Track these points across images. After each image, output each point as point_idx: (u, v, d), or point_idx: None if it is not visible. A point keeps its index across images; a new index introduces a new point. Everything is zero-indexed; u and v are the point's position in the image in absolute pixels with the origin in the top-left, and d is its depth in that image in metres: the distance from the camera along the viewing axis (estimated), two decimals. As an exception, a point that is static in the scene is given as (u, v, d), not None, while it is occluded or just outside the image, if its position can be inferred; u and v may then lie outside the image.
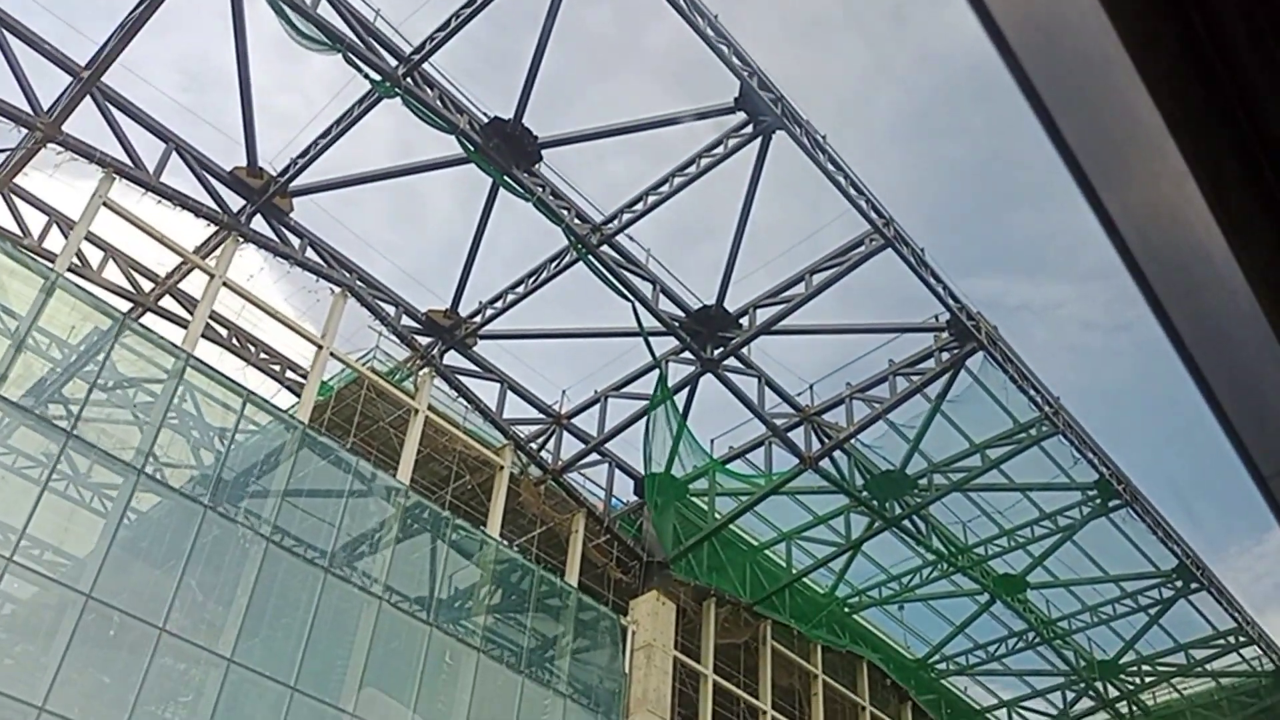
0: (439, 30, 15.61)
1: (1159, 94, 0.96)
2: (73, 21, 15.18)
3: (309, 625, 15.19)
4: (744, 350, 19.59)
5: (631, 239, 18.36)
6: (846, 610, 24.76)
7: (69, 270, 16.23)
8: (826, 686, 24.01)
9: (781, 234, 21.69)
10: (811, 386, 20.75)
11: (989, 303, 19.51)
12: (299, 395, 18.06)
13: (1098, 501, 21.83)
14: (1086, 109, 1.01)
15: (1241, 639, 24.91)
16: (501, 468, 19.63)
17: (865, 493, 21.39)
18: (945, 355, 19.36)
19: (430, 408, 19.03)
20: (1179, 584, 23.47)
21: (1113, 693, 26.14)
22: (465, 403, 19.50)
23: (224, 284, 17.27)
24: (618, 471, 21.75)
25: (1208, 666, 26.15)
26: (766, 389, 20.02)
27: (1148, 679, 26.42)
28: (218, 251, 17.36)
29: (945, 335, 19.29)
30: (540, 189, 17.17)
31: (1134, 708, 26.91)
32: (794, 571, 23.10)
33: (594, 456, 21.27)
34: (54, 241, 17.39)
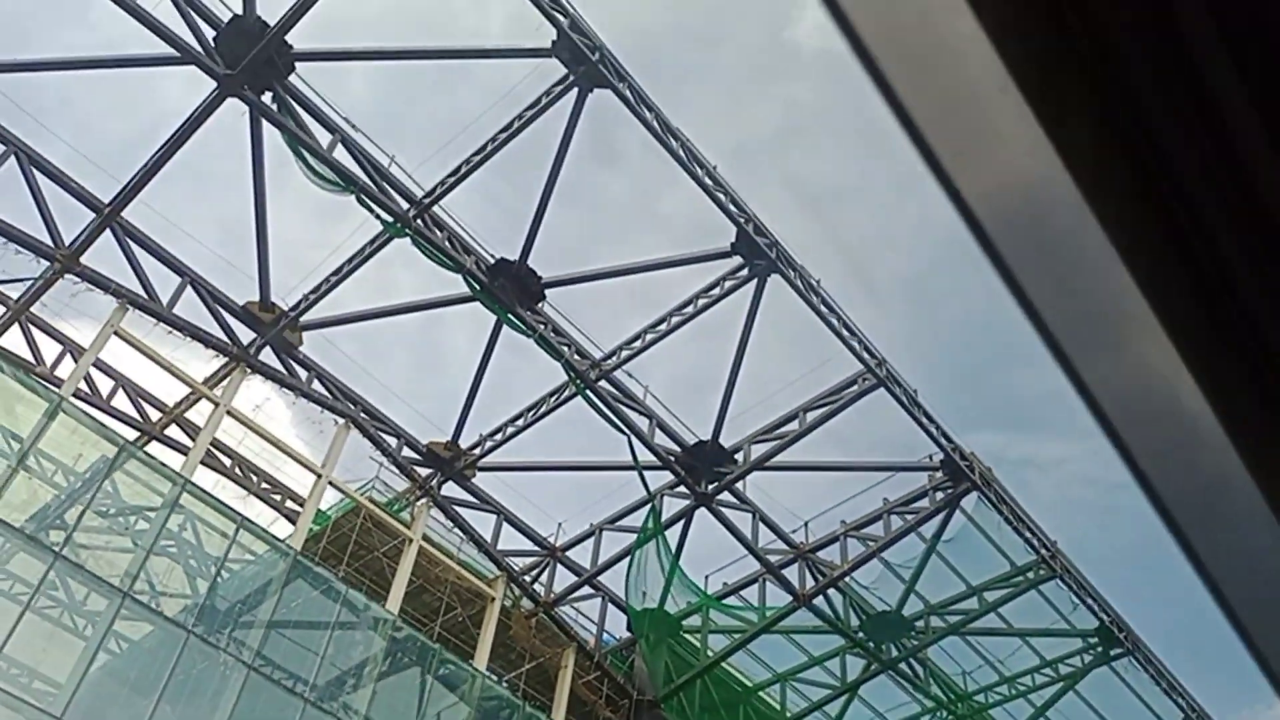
0: (449, 176, 16.68)
1: (1137, 271, 1.00)
2: (102, 163, 16.19)
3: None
4: (739, 485, 20.00)
5: (629, 375, 19.07)
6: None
7: (79, 397, 16.87)
8: (824, 839, 23.37)
9: (776, 373, 22.44)
10: (806, 524, 21.06)
11: (991, 456, 20.04)
12: (296, 525, 18.40)
13: (1099, 650, 21.78)
14: (1061, 283, 1.03)
15: (1255, 797, 24.33)
16: (493, 599, 19.77)
17: (861, 634, 21.40)
18: (939, 495, 19.76)
19: (425, 538, 19.32)
20: (1186, 737, 23.12)
21: None
22: (460, 533, 19.80)
23: (228, 413, 17.88)
24: (611, 606, 21.84)
25: (1222, 826, 25.43)
26: (761, 525, 20.35)
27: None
28: (225, 382, 18.04)
29: (939, 475, 19.73)
30: (542, 326, 17.95)
31: None
32: (788, 715, 22.84)
33: (587, 590, 21.41)
34: (66, 370, 18.09)
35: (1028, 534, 20.16)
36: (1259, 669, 1.26)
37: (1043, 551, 20.31)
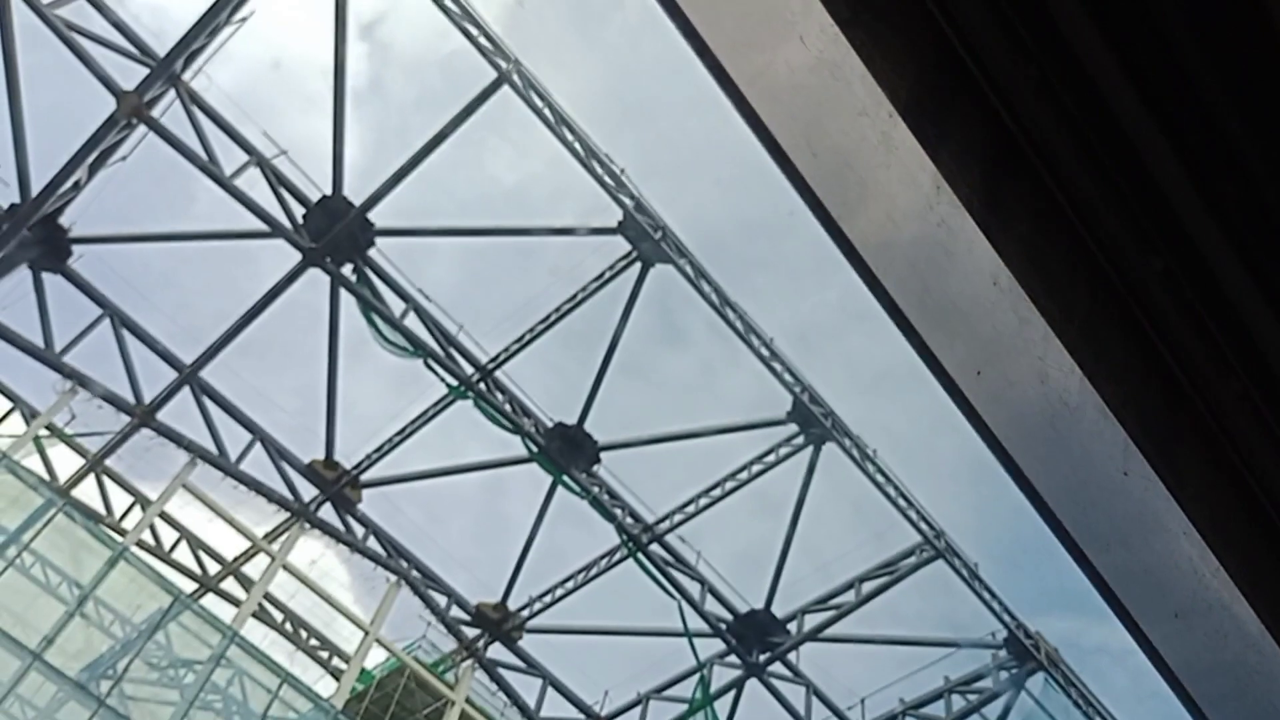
0: (513, 343, 17.49)
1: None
2: (194, 333, 17.36)
3: None
4: (791, 657, 19.73)
5: (683, 540, 19.22)
6: None
7: (142, 548, 17.50)
8: None
9: (833, 544, 22.43)
10: (863, 701, 20.54)
11: (1061, 642, 19.72)
12: (340, 682, 18.52)
13: None
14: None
15: None
16: (536, 768, 19.46)
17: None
18: (1003, 674, 19.26)
19: (468, 700, 19.26)
20: None
21: None
22: (505, 697, 19.70)
23: (284, 567, 18.35)
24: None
25: None
26: (814, 699, 19.92)
27: None
28: (284, 537, 18.59)
29: (1003, 654, 19.30)
30: (596, 489, 18.34)
31: None
32: None
33: (634, 766, 20.95)
34: (134, 522, 18.82)
35: (1098, 718, 19.47)
36: None
37: None
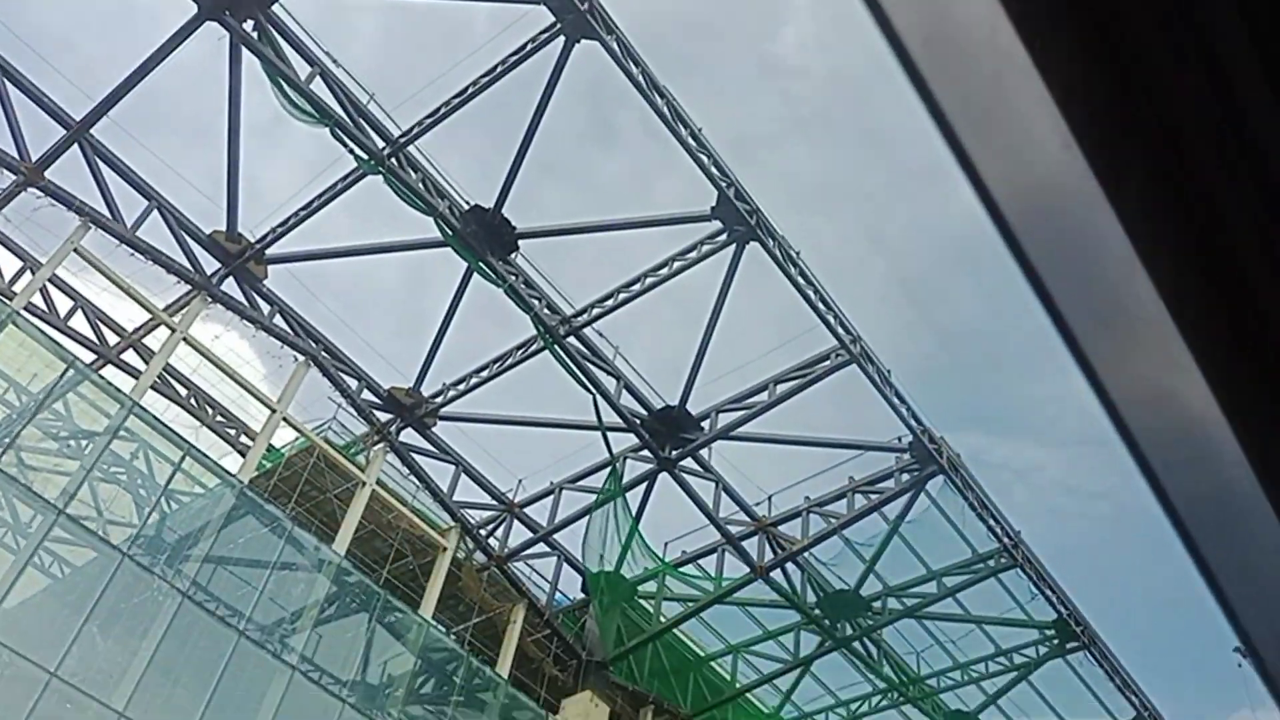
0: (427, 117, 16.87)
1: (1157, 274, 1.00)
2: (83, 87, 16.35)
3: (213, 688, 15.63)
4: (703, 454, 20.44)
5: (600, 334, 19.40)
6: (790, 733, 25.04)
7: (35, 314, 17.11)
8: (764, 811, 24.16)
9: (751, 346, 22.83)
10: (770, 498, 21.54)
11: (968, 457, 20.59)
12: (246, 458, 18.77)
13: (1055, 642, 22.43)
14: (1082, 283, 1.04)
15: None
16: (445, 550, 20.24)
17: (817, 611, 21.98)
18: (905, 476, 20.23)
19: (379, 483, 19.74)
20: (1135, 736, 23.89)
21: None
22: (416, 481, 20.22)
23: (185, 340, 18.17)
24: (566, 566, 22.36)
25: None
26: (723, 495, 20.81)
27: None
28: (185, 309, 18.31)
29: (906, 457, 20.19)
30: (514, 277, 18.24)
31: None
32: (738, 685, 23.51)
33: (543, 548, 21.92)
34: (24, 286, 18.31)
35: (991, 521, 20.69)
36: (1258, 673, 1.29)
37: (1005, 540, 20.84)
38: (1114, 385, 1.09)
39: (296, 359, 19.14)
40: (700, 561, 22.21)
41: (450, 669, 20.35)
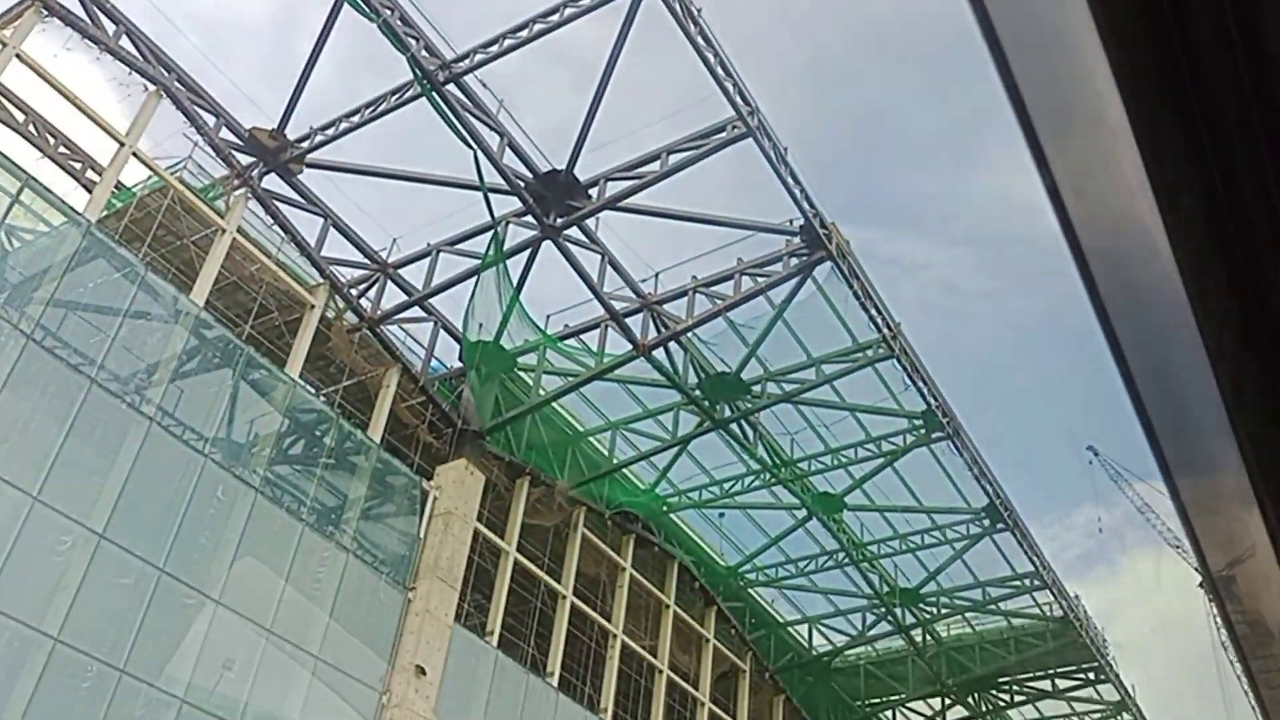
0: None
1: (1121, 76, 1.02)
2: None
3: (64, 436, 15.04)
4: (589, 224, 19.80)
5: (484, 85, 18.17)
6: (665, 509, 25.86)
7: None
8: (633, 581, 25.21)
9: (644, 113, 21.80)
10: (657, 275, 21.20)
11: (859, 251, 20.33)
12: (93, 195, 17.41)
13: (922, 432, 23.23)
14: (1046, 68, 1.06)
15: (1036, 583, 27.20)
16: (312, 307, 19.49)
17: (698, 392, 22.18)
18: (794, 261, 20.03)
19: (241, 232, 18.65)
20: (986, 522, 25.35)
21: (910, 619, 28.29)
22: (281, 232, 19.18)
23: (18, 57, 16.36)
24: (442, 333, 21.89)
25: (1002, 605, 28.51)
26: (609, 269, 20.35)
27: (944, 610, 28.67)
28: (18, 22, 16.39)
29: (797, 240, 19.92)
30: (389, 11, 16.72)
31: (928, 636, 29.22)
32: (617, 461, 23.94)
33: (418, 313, 21.35)
34: None
35: (873, 312, 20.82)
36: (1150, 448, 1.30)
37: (885, 331, 21.08)
38: (1060, 171, 1.11)
39: (148, 89, 17.50)
40: (582, 337, 21.99)
41: (320, 431, 20.06)
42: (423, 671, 18.93)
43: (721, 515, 27.28)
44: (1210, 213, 1.12)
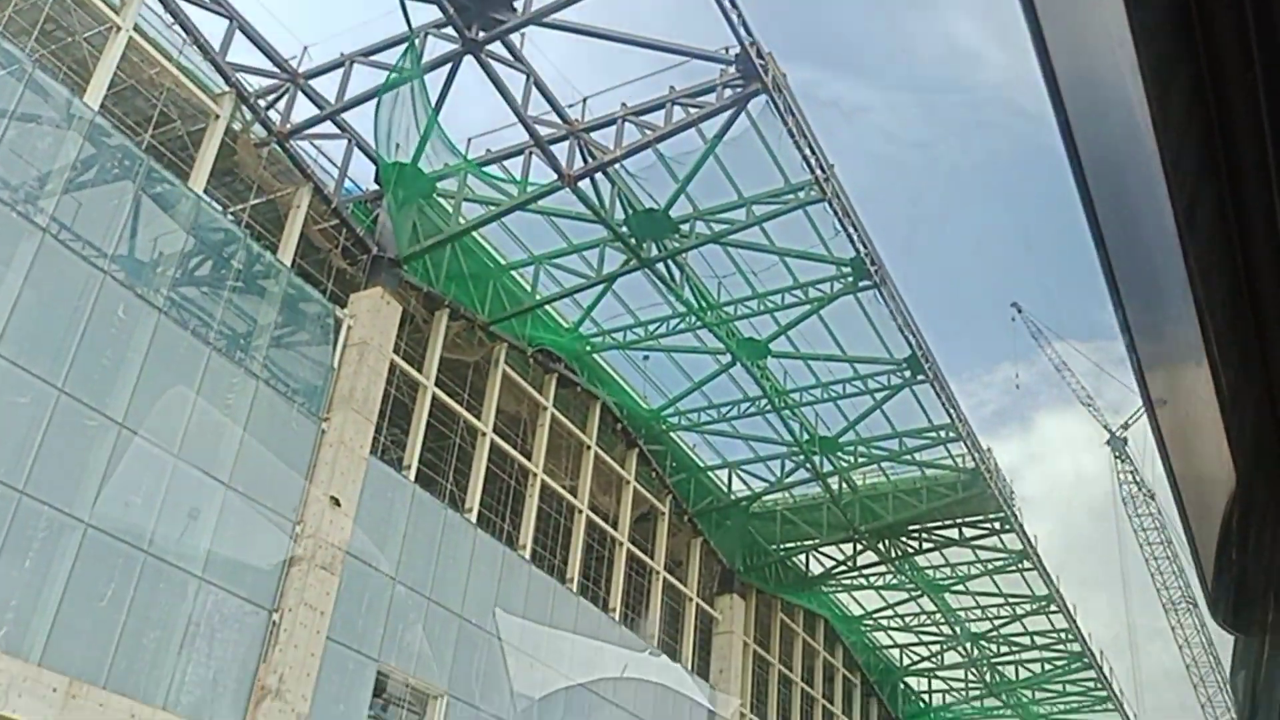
0: None
1: None
2: None
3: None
4: (515, 41, 18.79)
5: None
6: (588, 349, 25.69)
7: None
8: (554, 420, 25.20)
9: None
10: (585, 100, 20.37)
11: (797, 90, 19.60)
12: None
13: (850, 279, 23.16)
14: None
15: (951, 435, 27.90)
16: (217, 117, 18.37)
17: (624, 228, 21.69)
18: (728, 92, 19.35)
19: (138, 30, 17.30)
20: (907, 373, 25.68)
21: (827, 468, 28.93)
22: (183, 33, 17.84)
23: None
24: (358, 152, 20.91)
25: (917, 456, 29.28)
26: (535, 91, 19.45)
27: (861, 460, 29.35)
28: None
29: (732, 70, 19.20)
30: None
31: (844, 484, 30.00)
32: (540, 297, 23.54)
33: (332, 129, 20.30)
34: None
35: (807, 151, 20.36)
36: (1105, 280, 1.30)
37: (818, 173, 20.68)
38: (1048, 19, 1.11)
39: None
40: (505, 164, 21.22)
41: (227, 253, 19.20)
42: (337, 503, 18.79)
43: (646, 358, 27.26)
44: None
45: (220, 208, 19.59)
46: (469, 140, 21.03)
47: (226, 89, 18.59)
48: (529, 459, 24.32)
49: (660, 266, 22.72)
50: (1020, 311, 57.00)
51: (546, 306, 24.26)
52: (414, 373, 21.50)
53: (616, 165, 20.64)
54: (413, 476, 20.91)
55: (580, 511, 25.60)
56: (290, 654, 17.66)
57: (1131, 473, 55.56)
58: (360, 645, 19.18)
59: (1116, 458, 56.09)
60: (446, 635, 21.05)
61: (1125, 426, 56.58)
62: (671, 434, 28.80)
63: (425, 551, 20.96)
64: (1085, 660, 39.07)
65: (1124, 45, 1.09)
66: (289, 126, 19.32)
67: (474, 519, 22.23)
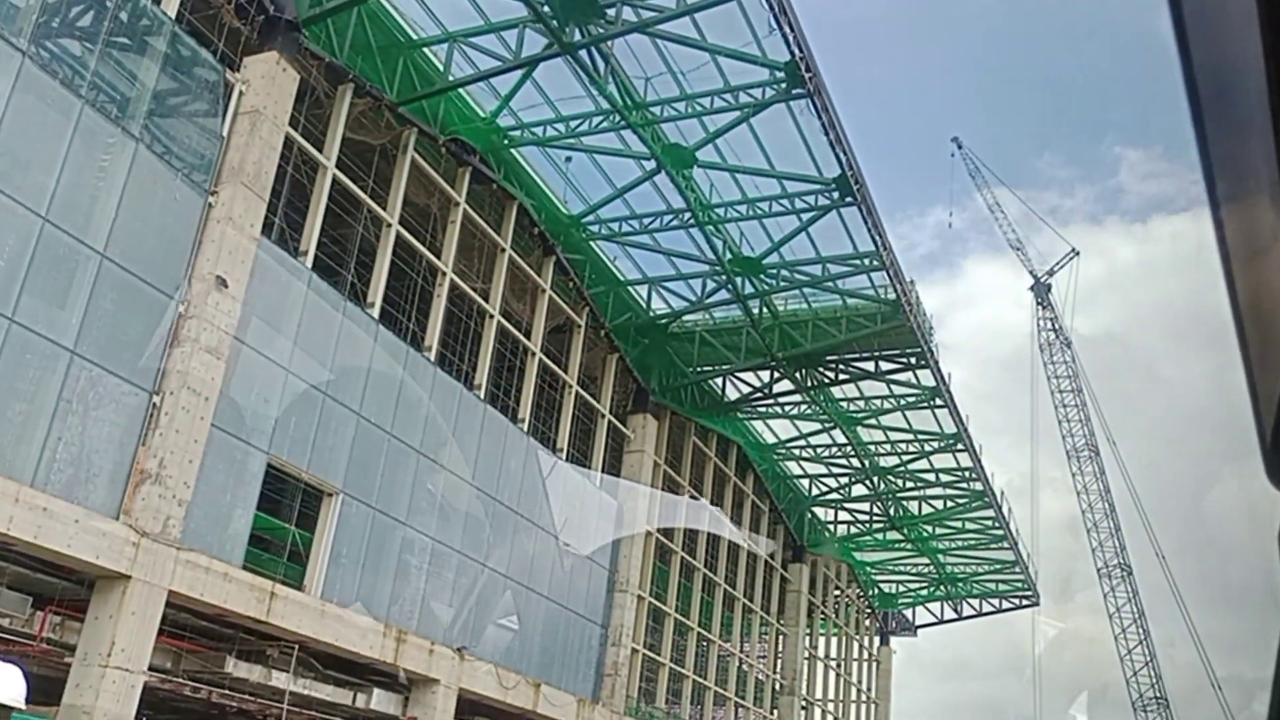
0: None
1: None
2: None
3: None
4: None
5: None
6: (506, 142, 24.55)
7: None
8: (467, 217, 24.25)
9: None
10: None
11: None
12: None
13: (783, 85, 22.21)
14: None
15: (875, 263, 27.65)
16: None
17: (546, 7, 20.31)
18: None
19: None
20: (836, 195, 25.11)
21: (749, 290, 28.63)
22: None
23: None
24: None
25: (839, 284, 29.09)
26: None
27: (783, 284, 29.08)
28: None
29: None
30: None
31: (765, 309, 29.80)
32: (452, 79, 22.20)
33: None
34: None
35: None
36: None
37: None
38: None
39: None
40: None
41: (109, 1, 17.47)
42: (224, 283, 17.85)
43: (569, 159, 26.24)
44: None
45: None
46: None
47: None
48: (438, 256, 23.48)
49: (584, 55, 21.47)
50: (960, 147, 56.57)
51: (462, 92, 22.95)
52: (314, 151, 20.27)
53: (541, -65, 19.15)
54: (310, 264, 20.00)
55: (491, 316, 25.00)
56: (171, 438, 17.06)
57: (1052, 319, 56.68)
58: (249, 436, 18.65)
59: (1039, 304, 57.04)
60: (343, 432, 20.62)
61: (1050, 273, 57.35)
62: (591, 244, 28.09)
63: (322, 344, 20.27)
64: (986, 500, 40.59)
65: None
66: None
67: (376, 314, 21.50)
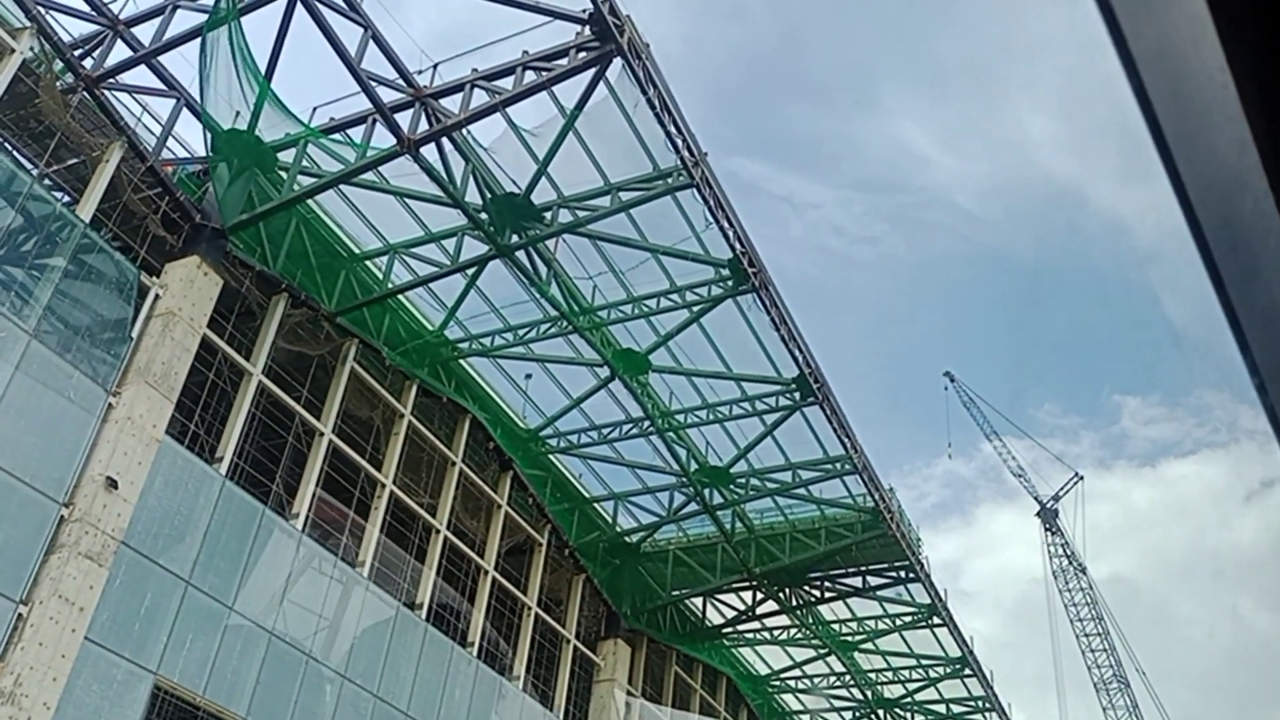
0: None
1: None
2: None
3: None
4: (349, -12, 16.63)
5: None
6: (454, 354, 22.98)
7: None
8: (413, 430, 22.31)
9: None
10: (436, 66, 18.14)
11: (752, 186, 17.63)
12: None
13: (729, 282, 20.77)
14: None
15: (847, 467, 25.15)
16: (13, 51, 15.93)
17: (483, 215, 19.28)
18: (582, 55, 17.20)
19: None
20: (796, 395, 23.10)
21: (719, 500, 26.04)
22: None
23: None
24: (192, 117, 18.50)
25: (814, 491, 26.44)
26: (373, 47, 17.22)
27: (753, 492, 26.48)
28: None
29: (586, 32, 17.10)
30: None
31: (739, 522, 27.06)
32: (391, 285, 20.93)
33: (159, 84, 17.91)
34: None
35: (671, 129, 18.16)
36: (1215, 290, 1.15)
37: (685, 155, 18.47)
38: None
39: None
40: (350, 133, 18.85)
41: (14, 195, 16.49)
42: (114, 484, 15.75)
43: (528, 377, 24.59)
44: None
45: (26, 162, 17.02)
46: (313, 109, 18.71)
47: (27, 25, 16.22)
48: (378, 469, 21.34)
49: (524, 259, 20.21)
50: (953, 380, 54.94)
51: (408, 305, 21.64)
52: (238, 357, 18.67)
53: (471, 141, 18.38)
54: (225, 470, 17.91)
55: (438, 532, 22.47)
56: (34, 653, 14.37)
57: (1063, 545, 52.69)
58: (134, 653, 15.89)
59: (1047, 529, 53.27)
60: (251, 654, 17.73)
61: (1056, 498, 53.90)
62: (552, 458, 25.90)
63: (233, 555, 17.78)
64: (1005, 733, 35.63)
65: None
66: (100, 71, 16.90)
67: (300, 525, 19.13)
